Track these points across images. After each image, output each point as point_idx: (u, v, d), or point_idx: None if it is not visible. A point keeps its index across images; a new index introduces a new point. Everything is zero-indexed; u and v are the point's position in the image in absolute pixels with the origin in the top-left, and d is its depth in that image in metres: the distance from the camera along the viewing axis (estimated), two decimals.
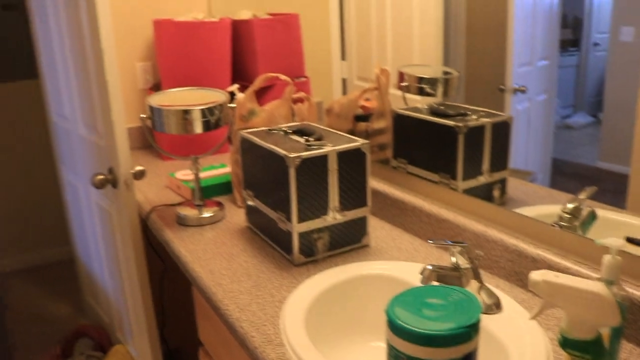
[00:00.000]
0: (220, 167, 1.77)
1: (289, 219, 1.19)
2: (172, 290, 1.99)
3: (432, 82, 1.60)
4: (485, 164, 1.35)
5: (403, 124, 1.51)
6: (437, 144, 1.40)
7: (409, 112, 1.51)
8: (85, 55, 1.54)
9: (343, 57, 2.35)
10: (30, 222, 3.29)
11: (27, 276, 3.23)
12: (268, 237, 1.31)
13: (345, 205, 1.23)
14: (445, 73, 1.62)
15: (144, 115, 1.40)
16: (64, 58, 1.72)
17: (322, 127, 1.35)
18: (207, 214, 1.45)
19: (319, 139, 1.24)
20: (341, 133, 1.31)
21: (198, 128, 1.36)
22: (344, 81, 2.39)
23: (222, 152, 2.11)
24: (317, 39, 2.18)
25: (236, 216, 1.50)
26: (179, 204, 1.59)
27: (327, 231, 1.22)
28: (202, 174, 1.70)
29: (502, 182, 1.32)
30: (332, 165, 1.19)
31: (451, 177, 1.39)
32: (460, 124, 1.34)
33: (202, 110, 1.35)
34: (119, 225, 1.61)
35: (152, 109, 1.38)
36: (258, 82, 1.50)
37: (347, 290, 1.13)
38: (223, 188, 1.67)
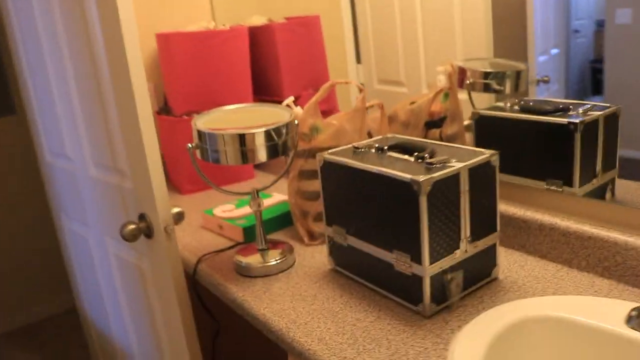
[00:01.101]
0: (264, 197, 1.49)
1: (416, 259, 0.92)
2: (227, 352, 1.68)
3: (500, 76, 1.37)
4: (599, 164, 1.13)
5: (492, 127, 1.27)
6: (543, 147, 1.17)
7: (496, 112, 1.27)
8: (98, 80, 1.24)
9: (358, 59, 2.11)
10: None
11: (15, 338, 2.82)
12: (375, 283, 1.03)
13: (475, 234, 0.98)
14: (510, 67, 1.41)
15: (191, 145, 1.11)
16: (65, 87, 1.40)
17: (422, 139, 1.09)
18: (274, 259, 1.16)
19: (432, 154, 0.98)
20: (451, 144, 1.05)
21: (262, 155, 1.08)
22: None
23: (243, 179, 1.82)
24: (327, 41, 1.92)
25: (309, 257, 1.22)
26: (230, 248, 1.30)
27: (460, 268, 0.97)
28: (240, 211, 1.41)
29: (613, 182, 1.11)
30: (464, 186, 0.94)
31: (564, 182, 1.16)
32: (576, 121, 1.11)
33: (268, 132, 1.07)
34: (154, 282, 1.30)
35: (201, 134, 1.09)
36: (322, 91, 1.23)
37: (513, 345, 0.87)
38: (278, 222, 1.39)
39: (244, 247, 1.25)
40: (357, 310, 0.99)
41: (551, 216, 1.10)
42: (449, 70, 1.38)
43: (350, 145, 1.11)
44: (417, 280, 0.93)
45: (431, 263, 0.92)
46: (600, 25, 1.07)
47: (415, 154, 0.99)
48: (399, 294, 0.98)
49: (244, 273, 1.17)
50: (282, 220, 1.39)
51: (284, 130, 1.08)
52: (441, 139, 1.37)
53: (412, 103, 1.40)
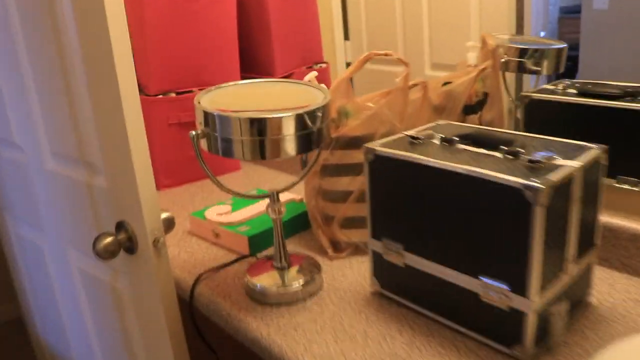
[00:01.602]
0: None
1: (518, 289, 0.69)
2: None
3: (538, 55, 1.17)
4: None
5: (546, 113, 1.05)
6: (613, 137, 0.96)
7: (552, 96, 1.05)
8: (61, 45, 0.93)
9: (347, 36, 1.86)
10: None
11: None
12: (447, 316, 0.80)
13: (579, 252, 0.76)
14: (544, 43, 1.20)
15: (196, 132, 0.83)
16: (11, 54, 1.08)
17: (493, 128, 0.86)
18: (297, 281, 0.91)
19: (522, 148, 0.75)
20: (536, 135, 0.82)
21: (291, 148, 0.81)
22: (348, 66, 1.91)
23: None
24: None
25: (338, 275, 0.97)
26: (234, 263, 1.03)
27: (565, 297, 0.74)
28: (240, 214, 1.15)
29: None
30: (576, 192, 0.71)
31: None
32: None
33: (300, 117, 0.80)
34: (135, 307, 1.02)
35: (209, 117, 0.81)
36: (357, 65, 0.97)
37: None
38: (288, 229, 1.13)
39: (254, 263, 0.98)
40: (430, 355, 0.75)
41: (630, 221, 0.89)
42: (489, 46, 1.15)
43: (402, 134, 0.86)
44: (517, 316, 0.70)
45: (539, 294, 0.69)
46: (564, 12, 1.06)
47: (503, 147, 0.75)
48: (484, 332, 0.75)
49: (261, 300, 0.91)
50: (293, 225, 1.13)
51: (319, 115, 0.82)
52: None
53: (446, 84, 1.16)
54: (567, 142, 0.78)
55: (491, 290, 0.72)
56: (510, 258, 0.69)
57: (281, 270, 0.93)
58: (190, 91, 1.42)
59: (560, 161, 0.71)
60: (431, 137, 0.84)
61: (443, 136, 0.82)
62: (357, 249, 1.03)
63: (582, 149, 0.75)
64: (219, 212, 1.15)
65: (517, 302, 0.70)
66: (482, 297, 0.74)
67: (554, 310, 0.72)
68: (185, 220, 1.25)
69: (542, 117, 1.07)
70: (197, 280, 0.98)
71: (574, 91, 1.05)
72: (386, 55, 0.95)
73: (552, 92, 1.08)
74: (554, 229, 0.69)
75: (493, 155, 0.75)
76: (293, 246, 1.09)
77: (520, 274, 0.68)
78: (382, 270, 0.87)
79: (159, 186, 1.45)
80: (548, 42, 1.22)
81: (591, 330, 0.77)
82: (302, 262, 0.96)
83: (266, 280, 0.92)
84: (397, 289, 0.86)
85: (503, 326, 0.73)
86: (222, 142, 0.81)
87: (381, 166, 0.81)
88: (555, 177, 0.66)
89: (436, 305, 0.80)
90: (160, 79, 1.38)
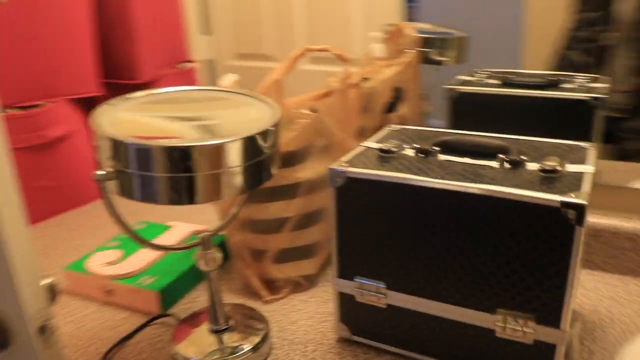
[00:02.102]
0: (154, 230, 0.98)
1: (546, 320, 0.59)
2: None
3: (443, 44, 1.12)
4: None
5: (476, 107, 0.98)
6: (552, 128, 0.93)
7: (482, 89, 0.99)
8: None
9: (207, 29, 1.66)
10: None
11: None
12: (444, 358, 0.67)
13: None
14: (445, 32, 1.16)
15: (102, 172, 0.58)
16: None
17: (468, 132, 0.74)
18: (242, 344, 0.71)
19: (514, 154, 0.65)
20: (526, 138, 0.73)
21: (238, 183, 0.61)
22: (210, 64, 1.71)
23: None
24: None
25: (285, 322, 0.79)
26: (142, 329, 0.80)
27: (577, 318, 0.66)
28: (136, 261, 0.90)
29: None
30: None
31: None
32: (595, 96, 0.88)
33: (251, 141, 0.60)
34: None
35: (120, 148, 0.57)
36: (289, 64, 0.78)
37: None
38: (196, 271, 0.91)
39: (177, 326, 0.76)
40: None
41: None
42: (406, 36, 1.04)
43: (363, 147, 0.71)
44: (543, 349, 0.60)
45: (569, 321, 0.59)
46: None
47: (500, 156, 0.64)
48: None
49: None
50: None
51: (272, 135, 0.63)
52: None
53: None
54: (555, 143, 0.69)
55: (511, 324, 0.61)
56: (540, 285, 0.58)
57: (220, 332, 0.73)
58: (37, 105, 1.11)
59: (571, 167, 0.62)
60: (400, 148, 0.70)
61: (417, 146, 0.68)
62: (297, 286, 0.86)
63: (579, 150, 0.67)
64: (107, 262, 0.89)
65: (544, 334, 0.59)
66: (498, 334, 0.62)
67: (573, 333, 0.63)
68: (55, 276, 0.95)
69: (470, 110, 1.00)
70: None
71: (497, 82, 1.00)
72: (322, 50, 0.78)
73: (475, 83, 1.01)
74: None
75: (489, 166, 0.63)
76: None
77: (550, 302, 0.58)
78: (352, 314, 0.71)
79: None
80: (449, 31, 1.16)
81: (592, 342, 0.70)
82: (236, 315, 0.77)
83: (202, 348, 0.70)
84: (375, 335, 0.71)
85: None
86: (145, 183, 0.58)
87: (354, 191, 0.65)
88: (586, 188, 0.56)
89: (432, 347, 0.67)
90: None
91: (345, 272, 0.69)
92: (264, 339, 0.72)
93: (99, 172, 0.57)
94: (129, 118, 0.62)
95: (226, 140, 0.58)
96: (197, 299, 0.86)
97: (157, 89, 0.69)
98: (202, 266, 0.69)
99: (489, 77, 1.03)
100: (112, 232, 1.07)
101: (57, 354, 0.65)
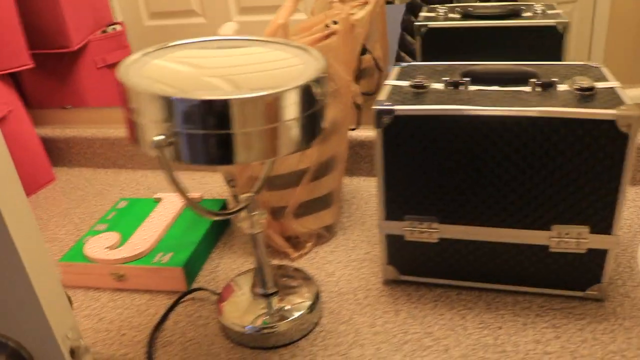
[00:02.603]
0: (142, 208, 0.91)
1: (600, 228, 0.63)
2: None
3: None
4: None
5: (445, 41, 1.00)
6: (522, 56, 0.97)
7: (449, 23, 1.00)
8: None
9: None
10: None
11: None
12: (504, 281, 0.70)
13: None
14: None
15: (160, 137, 0.52)
16: None
17: (491, 63, 0.75)
18: (297, 305, 0.70)
19: (548, 78, 0.67)
20: (540, 63, 0.75)
21: (294, 135, 0.57)
22: (130, 25, 1.58)
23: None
24: None
25: (322, 275, 0.78)
26: (170, 311, 0.75)
27: None
28: (141, 240, 0.84)
29: None
30: None
31: None
32: (564, 20, 0.93)
33: (306, 90, 0.56)
34: None
35: (184, 106, 0.51)
36: (292, 4, 0.73)
37: None
38: (215, 234, 0.87)
39: (221, 297, 0.72)
40: (513, 328, 0.65)
41: None
42: None
43: (390, 85, 0.70)
44: (595, 256, 0.65)
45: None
46: None
47: (532, 80, 0.66)
48: (553, 284, 0.68)
49: (263, 343, 0.67)
50: (215, 232, 0.87)
51: (325, 85, 0.59)
52: (378, 68, 1.04)
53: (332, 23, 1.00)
54: (566, 65, 0.72)
55: (566, 237, 0.64)
56: (593, 197, 0.62)
57: (268, 297, 0.70)
58: None
59: (600, 84, 0.65)
60: (426, 82, 0.69)
61: (446, 79, 0.68)
62: (319, 238, 0.85)
63: (591, 69, 0.71)
64: (107, 246, 0.81)
65: (597, 242, 0.64)
66: (553, 249, 0.66)
67: None
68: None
69: (441, 45, 1.01)
70: (150, 351, 0.68)
71: (458, 15, 1.01)
72: None
73: (438, 18, 1.02)
74: None
75: (523, 91, 0.65)
76: (229, 258, 0.84)
77: (603, 212, 0.62)
78: (400, 254, 0.72)
79: None
80: None
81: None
82: (280, 277, 0.74)
83: (254, 315, 0.68)
84: (424, 271, 0.72)
85: (577, 271, 0.66)
86: (199, 142, 0.53)
87: (401, 130, 0.64)
88: (629, 101, 0.60)
89: (484, 273, 0.70)
90: None
91: (394, 213, 0.69)
92: (316, 297, 0.70)
93: (157, 138, 0.51)
94: (165, 73, 0.56)
95: (284, 89, 0.54)
96: (217, 269, 0.82)
97: (173, 41, 0.63)
98: (248, 229, 0.66)
99: (449, 12, 1.04)
100: (74, 219, 0.98)
101: None
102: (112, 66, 1.22)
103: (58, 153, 1.19)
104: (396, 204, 0.69)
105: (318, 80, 0.57)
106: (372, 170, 1.02)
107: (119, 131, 1.14)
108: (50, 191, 1.11)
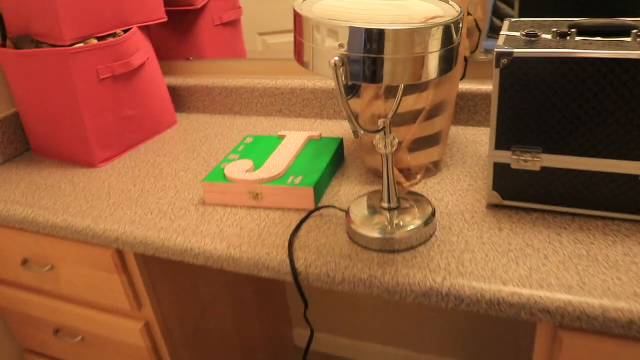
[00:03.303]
0: (268, 142, 1.05)
1: None
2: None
3: None
4: None
5: (544, 4, 1.09)
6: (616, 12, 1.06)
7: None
8: None
9: None
10: None
11: None
12: (595, 207, 0.81)
13: None
14: None
15: (337, 58, 0.65)
16: None
17: (595, 19, 0.85)
18: (423, 215, 0.82)
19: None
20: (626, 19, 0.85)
21: (433, 68, 0.69)
22: None
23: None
24: None
25: (433, 201, 0.90)
26: (307, 219, 0.89)
27: None
28: (275, 165, 0.98)
29: None
30: None
31: None
32: None
33: (447, 29, 0.68)
34: None
35: (354, 33, 0.64)
36: None
37: None
38: (334, 166, 1.01)
39: (349, 211, 0.86)
40: (604, 245, 0.76)
41: None
42: None
43: (504, 35, 0.81)
44: None
45: None
46: None
47: (634, 31, 0.76)
48: (638, 210, 0.79)
49: (392, 247, 0.80)
50: (334, 164, 1.01)
51: (460, 28, 0.71)
52: (478, 28, 1.14)
53: None
54: None
55: None
56: None
57: (392, 210, 0.83)
58: (114, 34, 1.12)
59: None
60: (536, 32, 0.80)
61: (555, 29, 0.79)
62: (427, 171, 0.97)
63: None
64: (241, 169, 0.96)
65: None
66: None
67: None
68: (178, 194, 1.01)
69: (536, 9, 1.11)
70: (290, 250, 0.82)
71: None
72: None
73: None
74: None
75: (626, 41, 0.75)
76: (347, 185, 0.97)
77: None
78: (505, 181, 0.84)
79: (95, 162, 1.14)
80: None
81: None
82: (403, 196, 0.87)
83: (380, 225, 0.81)
84: (525, 196, 0.84)
85: None
86: (367, 64, 0.65)
87: (516, 70, 0.76)
88: None
89: (579, 200, 0.81)
90: (75, 22, 1.05)
91: (503, 143, 0.81)
92: (433, 213, 0.83)
93: (334, 60, 0.64)
94: (331, 11, 0.69)
95: (430, 25, 0.66)
96: (338, 193, 0.95)
97: None
98: (382, 149, 0.79)
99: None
100: (201, 154, 1.13)
101: None
102: (227, 24, 1.36)
103: (179, 100, 1.35)
104: (505, 136, 0.80)
105: (456, 24, 0.69)
106: (469, 120, 1.14)
107: (235, 80, 1.29)
108: (174, 131, 1.27)
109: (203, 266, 1.22)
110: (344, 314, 1.65)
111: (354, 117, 0.70)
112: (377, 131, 0.78)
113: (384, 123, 0.78)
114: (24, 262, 1.10)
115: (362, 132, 0.72)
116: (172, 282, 1.11)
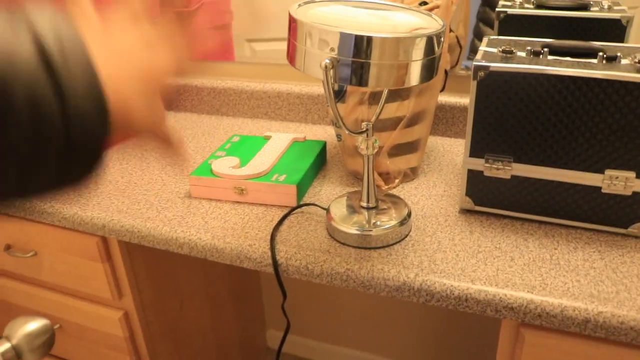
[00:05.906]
0: (252, 142, 1.09)
1: None
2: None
3: None
4: None
5: (521, 28, 1.16)
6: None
7: (527, 10, 1.16)
8: None
9: None
10: None
11: None
12: (560, 216, 0.86)
13: None
14: None
15: (327, 60, 0.70)
16: None
17: (566, 41, 0.91)
18: (398, 216, 0.87)
19: (615, 54, 0.83)
20: (597, 43, 0.92)
21: (416, 75, 0.75)
22: None
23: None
24: None
25: (410, 204, 0.95)
26: (288, 216, 0.93)
27: None
28: (260, 163, 1.02)
29: None
30: None
31: None
32: (625, 15, 1.09)
33: (429, 40, 0.73)
34: None
35: (343, 39, 0.69)
36: None
37: None
38: (317, 167, 1.05)
39: (329, 209, 0.90)
40: (566, 251, 0.82)
41: None
42: None
43: (482, 51, 0.87)
44: (639, 198, 0.81)
45: None
46: None
47: (600, 53, 0.82)
48: (601, 220, 0.84)
49: (368, 244, 0.84)
50: (317, 165, 1.05)
51: (441, 41, 0.76)
52: (459, 44, 1.20)
53: (422, 4, 1.18)
54: (630, 46, 0.88)
55: (616, 180, 0.81)
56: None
57: (370, 209, 0.88)
58: None
59: None
60: (510, 48, 0.86)
61: (529, 48, 0.85)
62: (405, 176, 1.02)
63: None
64: (230, 166, 1.00)
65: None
66: (604, 190, 0.82)
67: None
68: (165, 187, 1.05)
69: (515, 30, 1.17)
70: (272, 243, 0.86)
71: (531, 6, 1.17)
72: None
73: (515, 7, 1.18)
74: None
75: (592, 62, 0.81)
76: (328, 186, 1.02)
77: None
78: (477, 187, 0.89)
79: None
80: None
81: None
82: (380, 197, 0.92)
83: (357, 223, 0.85)
84: (496, 203, 0.89)
85: (621, 211, 0.83)
86: (353, 69, 0.70)
87: (492, 83, 0.81)
88: None
89: (546, 208, 0.87)
90: None
91: (477, 151, 0.86)
92: (409, 215, 0.88)
93: (324, 62, 0.69)
94: (324, 17, 0.74)
95: (414, 35, 0.71)
96: (319, 193, 1.00)
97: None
98: (364, 150, 0.83)
99: (524, 2, 1.20)
100: (188, 150, 1.17)
101: None
102: (218, 27, 1.40)
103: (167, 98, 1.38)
104: (480, 144, 0.86)
105: (437, 36, 0.74)
106: (447, 131, 1.19)
107: (224, 82, 1.33)
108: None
109: (187, 256, 1.25)
110: (320, 318, 1.69)
111: (340, 117, 0.74)
112: (361, 133, 0.82)
113: (367, 125, 0.82)
114: (7, 248, 1.12)
115: (347, 132, 0.77)
116: (153, 274, 1.13)
